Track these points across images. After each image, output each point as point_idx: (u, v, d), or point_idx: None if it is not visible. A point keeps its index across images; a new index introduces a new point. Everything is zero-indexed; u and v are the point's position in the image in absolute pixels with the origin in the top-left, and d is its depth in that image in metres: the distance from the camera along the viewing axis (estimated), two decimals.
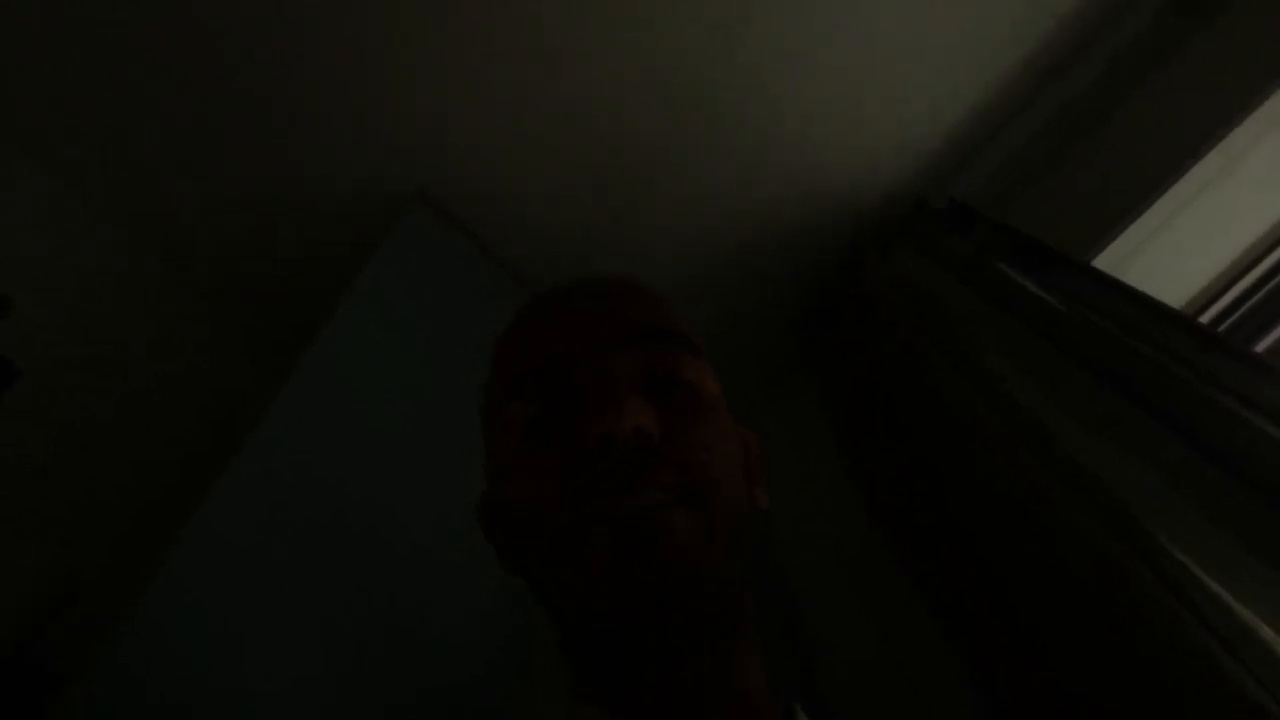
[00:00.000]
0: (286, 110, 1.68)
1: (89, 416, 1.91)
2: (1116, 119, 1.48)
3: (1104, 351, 0.99)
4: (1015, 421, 1.00)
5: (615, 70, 1.54)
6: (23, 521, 1.75)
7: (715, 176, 1.65)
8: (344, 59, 1.59)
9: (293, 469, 1.39)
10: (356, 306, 1.54)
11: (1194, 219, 1.39)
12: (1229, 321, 1.41)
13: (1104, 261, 1.40)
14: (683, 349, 0.64)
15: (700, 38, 1.47)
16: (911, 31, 1.45)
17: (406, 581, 1.40)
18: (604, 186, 1.70)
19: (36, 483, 1.81)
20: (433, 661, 1.37)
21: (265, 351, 2.08)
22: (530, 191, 1.73)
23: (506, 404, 0.64)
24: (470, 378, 1.54)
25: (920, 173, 1.62)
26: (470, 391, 1.52)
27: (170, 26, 1.58)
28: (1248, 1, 1.36)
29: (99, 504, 1.88)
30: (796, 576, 1.43)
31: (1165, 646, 0.67)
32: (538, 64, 1.55)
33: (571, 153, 1.66)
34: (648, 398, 0.59)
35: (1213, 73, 1.38)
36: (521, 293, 1.79)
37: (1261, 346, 1.36)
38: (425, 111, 1.65)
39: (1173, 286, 1.44)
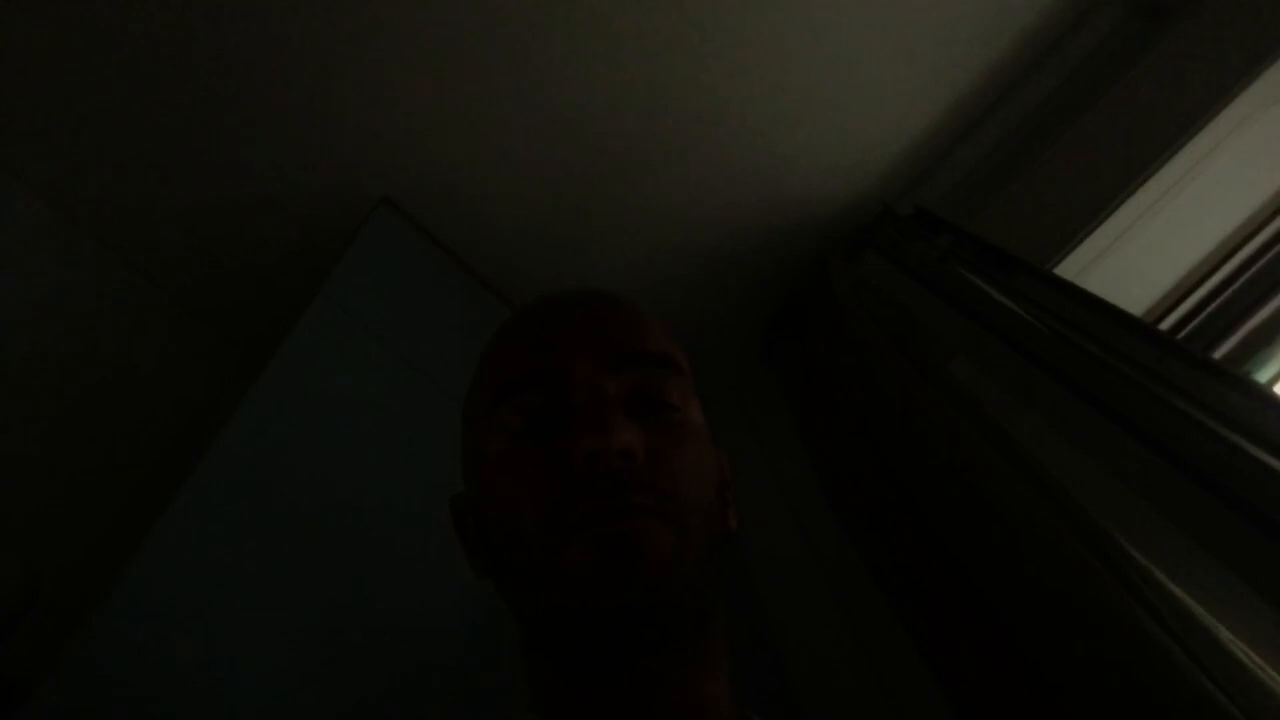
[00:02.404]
0: (252, 113, 1.67)
1: (49, 419, 1.88)
2: (1078, 127, 1.50)
3: (1066, 357, 1.00)
4: (980, 425, 1.01)
5: (582, 76, 1.54)
6: None
7: (681, 183, 1.66)
8: (310, 63, 1.58)
9: (261, 468, 1.38)
10: (323, 309, 1.53)
11: (1154, 226, 1.41)
12: (1188, 328, 1.43)
13: (1067, 268, 1.42)
14: (673, 374, 0.66)
15: (666, 45, 1.48)
16: (876, 40, 1.46)
17: (376, 579, 1.39)
18: (570, 192, 1.70)
19: None
20: (405, 656, 1.36)
21: (231, 354, 2.06)
22: (496, 196, 1.73)
23: (495, 408, 0.65)
24: (439, 378, 1.55)
25: (885, 179, 1.63)
26: (438, 391, 1.53)
27: (137, 27, 1.56)
28: (1206, 10, 1.39)
29: (60, 508, 1.85)
30: (764, 582, 1.43)
31: (1125, 646, 0.68)
32: (504, 69, 1.54)
33: (538, 158, 1.66)
34: (635, 419, 0.61)
35: (1172, 80, 1.40)
36: (489, 295, 1.79)
37: (1219, 353, 1.38)
38: (392, 116, 1.64)
39: (1134, 293, 1.46)
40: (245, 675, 1.24)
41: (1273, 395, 0.81)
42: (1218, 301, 1.42)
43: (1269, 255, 1.39)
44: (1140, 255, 1.44)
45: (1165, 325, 1.45)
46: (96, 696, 1.16)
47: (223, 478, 1.34)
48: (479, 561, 0.67)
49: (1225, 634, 0.63)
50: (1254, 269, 1.40)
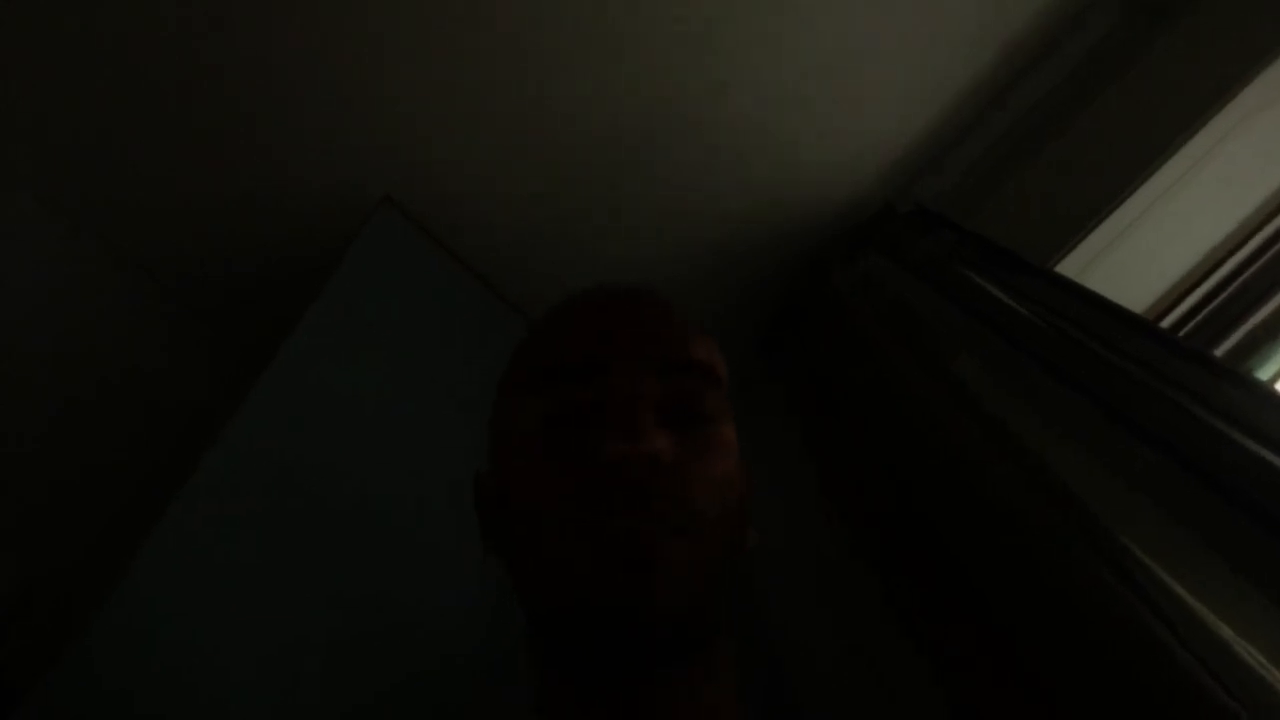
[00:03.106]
0: (250, 112, 1.66)
1: (46, 421, 1.88)
2: (1078, 125, 1.49)
3: (1067, 355, 1.00)
4: (982, 424, 1.01)
5: (582, 76, 1.53)
6: None
7: (682, 182, 1.65)
8: (311, 62, 1.58)
9: (262, 468, 1.38)
10: (325, 309, 1.53)
11: (1155, 224, 1.41)
12: (1190, 325, 1.43)
13: (1068, 266, 1.42)
14: (711, 385, 0.65)
15: (667, 43, 1.48)
16: (877, 37, 1.46)
17: (378, 579, 1.39)
18: (570, 191, 1.70)
19: None
20: (409, 655, 1.37)
21: (232, 354, 2.06)
22: (497, 195, 1.72)
23: (531, 388, 0.64)
24: (440, 381, 1.55)
25: (886, 177, 1.63)
26: (440, 391, 1.53)
27: (136, 26, 1.56)
28: (1205, 8, 1.39)
29: (60, 509, 1.85)
30: (765, 586, 1.43)
31: (1127, 646, 0.68)
32: (505, 68, 1.54)
33: (538, 158, 1.66)
34: (669, 427, 0.60)
35: (1173, 78, 1.40)
36: (490, 295, 1.79)
37: (1221, 350, 1.38)
38: (393, 115, 1.64)
39: (1135, 291, 1.46)
40: (246, 675, 1.24)
41: (1274, 392, 0.81)
42: (1219, 299, 1.42)
43: (1270, 253, 1.39)
44: (1141, 253, 1.43)
45: (1166, 323, 1.45)
46: (96, 695, 1.16)
47: (224, 478, 1.34)
48: (492, 541, 0.66)
49: (1227, 632, 0.63)
50: (1255, 266, 1.40)
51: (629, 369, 0.62)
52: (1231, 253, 1.42)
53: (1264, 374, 1.35)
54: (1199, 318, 1.43)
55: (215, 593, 1.27)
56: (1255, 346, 1.35)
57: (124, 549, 1.28)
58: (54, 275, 1.95)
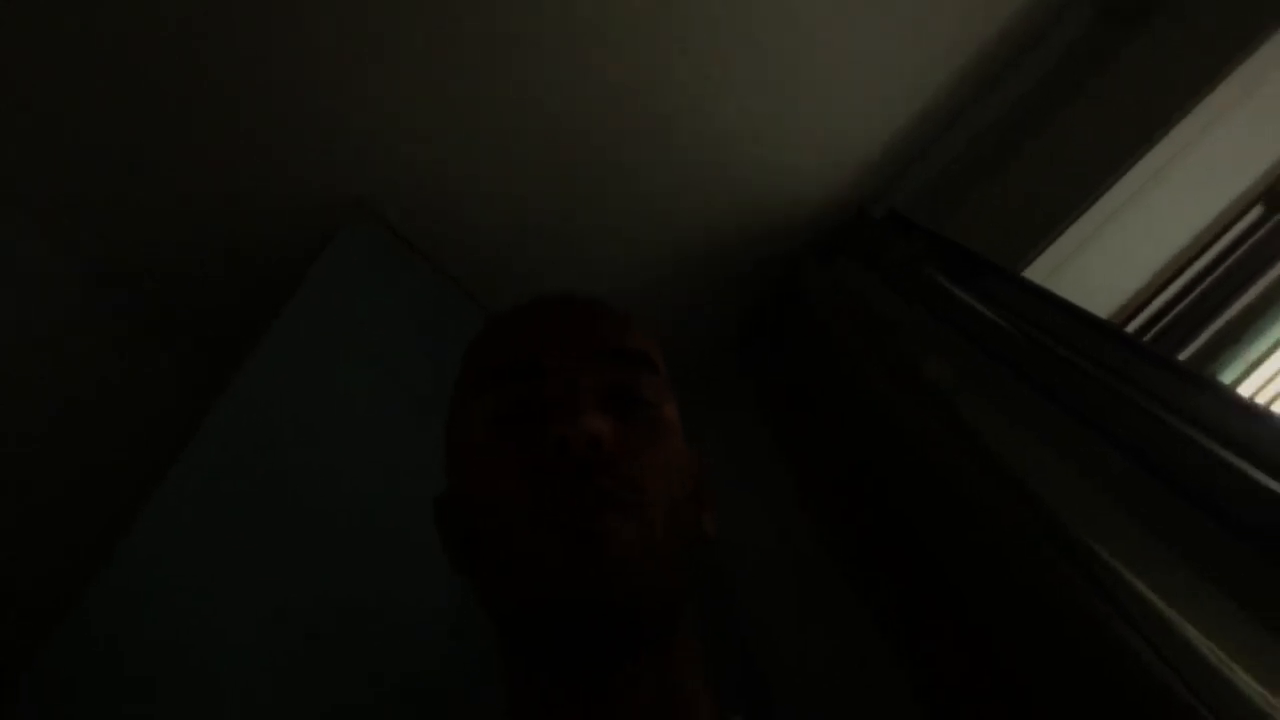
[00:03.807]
0: (220, 114, 1.65)
1: (14, 429, 1.86)
2: (1048, 130, 1.51)
3: (1035, 359, 1.01)
4: (952, 428, 1.02)
5: (558, 78, 1.53)
6: None
7: (656, 185, 1.66)
8: (284, 65, 1.56)
9: (235, 472, 1.37)
10: (297, 314, 1.52)
11: (1122, 230, 1.43)
12: (1155, 330, 1.45)
13: (1037, 270, 1.43)
14: (647, 370, 0.68)
15: (643, 44, 1.48)
16: (851, 41, 1.47)
17: (353, 580, 1.39)
18: (545, 194, 1.69)
19: None
20: (385, 656, 1.36)
21: (204, 360, 2.04)
22: (472, 197, 1.72)
23: (474, 398, 0.67)
24: (413, 385, 1.55)
25: (859, 183, 1.64)
26: (413, 396, 1.52)
27: (100, 26, 1.55)
28: (1173, 14, 1.40)
29: (34, 521, 1.83)
30: (740, 587, 1.43)
31: (1095, 646, 0.69)
32: (482, 71, 1.54)
33: (512, 160, 1.65)
34: (608, 412, 0.62)
35: (1140, 84, 1.41)
36: (464, 300, 1.79)
37: (1186, 354, 1.40)
38: (366, 119, 1.63)
39: (1102, 295, 1.48)
40: (221, 673, 1.24)
41: (1237, 396, 0.83)
42: (1184, 303, 1.44)
43: (1233, 257, 1.42)
44: (1108, 258, 1.45)
45: (1133, 326, 1.47)
46: (69, 695, 1.15)
47: (199, 480, 1.34)
48: (458, 559, 0.68)
49: (1193, 634, 0.64)
50: (1219, 271, 1.42)
51: (567, 361, 0.64)
52: (1196, 257, 1.44)
53: (1228, 377, 1.38)
54: (1164, 321, 1.45)
55: (191, 594, 1.27)
56: (1219, 350, 1.37)
57: (98, 557, 1.27)
58: (23, 285, 1.93)
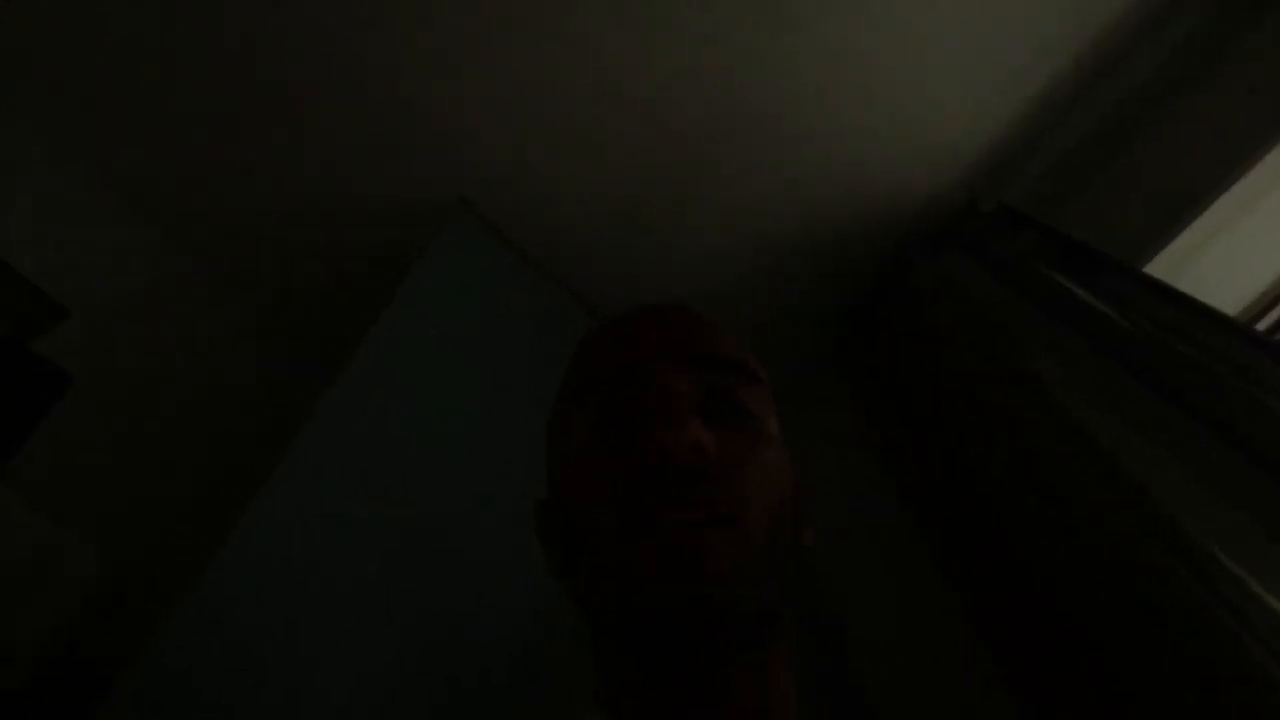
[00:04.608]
0: (327, 119, 1.70)
1: (138, 423, 1.95)
2: (1168, 120, 1.45)
3: (1153, 357, 0.97)
4: (1062, 427, 0.99)
5: (654, 73, 1.53)
6: (71, 523, 1.78)
7: (756, 179, 1.64)
8: (384, 69, 1.60)
9: (337, 473, 1.41)
10: (400, 313, 1.56)
11: (1250, 223, 1.37)
12: None
13: (1158, 266, 1.38)
14: (747, 380, 0.67)
15: (739, 37, 1.47)
16: (957, 33, 1.43)
17: (449, 586, 1.41)
18: (642, 191, 1.70)
19: (87, 487, 1.85)
20: (473, 665, 1.38)
21: (309, 359, 2.11)
22: (572, 195, 1.74)
23: (575, 405, 0.67)
24: (513, 382, 1.56)
25: (969, 175, 1.60)
26: (515, 393, 1.54)
27: (214, 40, 1.61)
28: None
29: (147, 509, 1.91)
30: (832, 579, 1.41)
31: (1211, 656, 0.65)
32: (573, 69, 1.55)
33: (610, 157, 1.66)
34: (709, 422, 0.62)
35: (1271, 69, 1.35)
36: (565, 296, 1.80)
37: None
38: (466, 119, 1.66)
39: (1228, 293, 1.41)
40: (314, 673, 1.27)
41: None
42: None
43: None
44: (1235, 252, 1.39)
45: (1262, 325, 1.40)
46: (170, 689, 1.19)
47: (296, 487, 1.37)
48: (558, 564, 0.68)
49: None
50: None
51: (665, 369, 0.64)
52: None
53: None
54: None
55: (288, 594, 1.30)
56: None
57: (207, 548, 1.31)
58: (146, 282, 2.02)
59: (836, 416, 1.68)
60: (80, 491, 1.85)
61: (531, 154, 1.69)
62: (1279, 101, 1.31)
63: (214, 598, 1.25)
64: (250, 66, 1.64)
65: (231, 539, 1.29)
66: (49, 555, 1.73)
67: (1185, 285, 1.08)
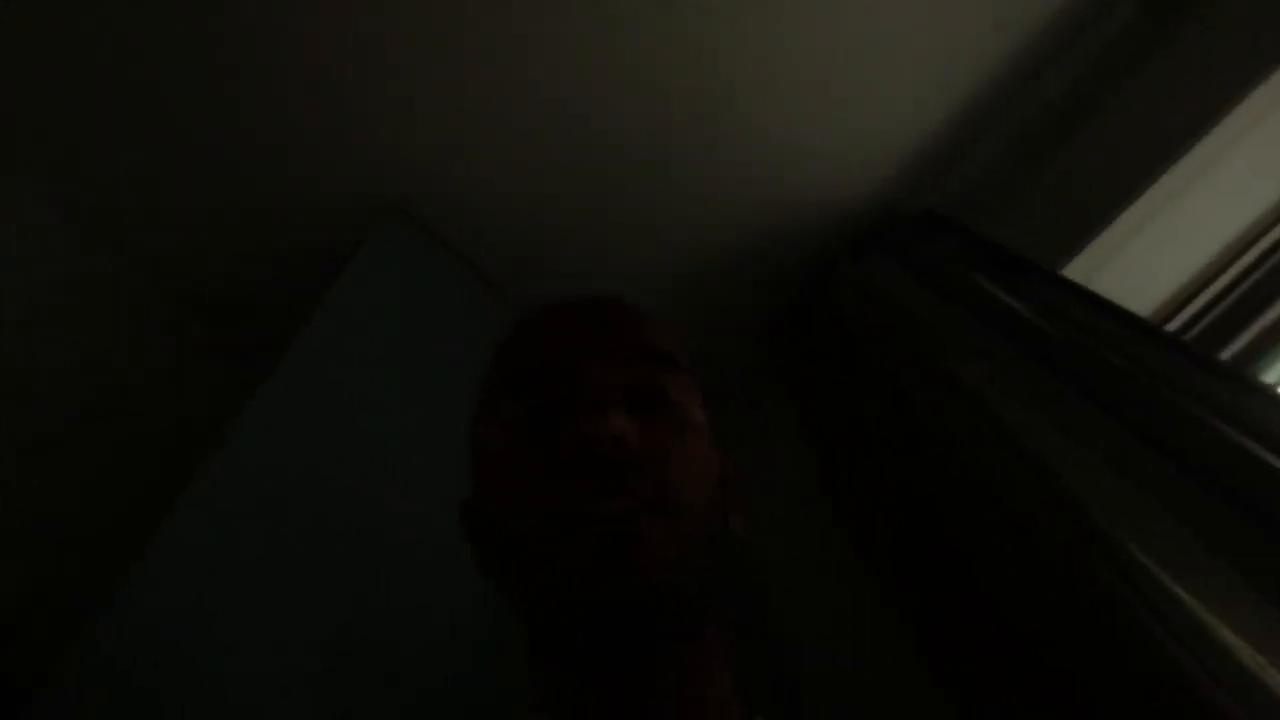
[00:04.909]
0: (259, 117, 1.67)
1: (54, 423, 1.89)
2: (1087, 128, 1.49)
3: (1073, 359, 1.00)
4: (987, 430, 1.01)
5: (590, 76, 1.54)
6: None
7: (688, 184, 1.65)
8: (317, 65, 1.58)
9: (267, 471, 1.39)
10: (331, 313, 1.54)
11: (1162, 227, 1.41)
12: (1196, 329, 1.43)
13: (1075, 269, 1.42)
14: (672, 369, 0.67)
15: (675, 41, 1.48)
16: (887, 38, 1.46)
17: (381, 584, 1.40)
18: (576, 194, 1.70)
19: None
20: (408, 660, 1.37)
21: (237, 359, 2.07)
22: (507, 197, 1.73)
23: (499, 400, 0.67)
24: (447, 384, 1.55)
25: (893, 181, 1.63)
26: (446, 397, 1.53)
27: (141, 29, 1.57)
28: (1217, 9, 1.38)
29: (65, 513, 1.86)
30: (770, 586, 1.43)
31: (1131, 651, 0.68)
32: (513, 70, 1.54)
33: (544, 160, 1.66)
34: (633, 412, 0.62)
35: (1182, 81, 1.39)
36: (497, 300, 1.79)
37: (1227, 354, 1.37)
38: (401, 119, 1.64)
39: (1142, 294, 1.46)
40: (245, 674, 1.25)
41: (1278, 396, 0.81)
42: (1225, 302, 1.41)
43: (1277, 256, 1.39)
44: (1148, 256, 1.43)
45: (1172, 326, 1.44)
46: (99, 692, 1.17)
47: (229, 480, 1.35)
48: (484, 563, 0.68)
49: (1230, 637, 0.63)
50: (1262, 270, 1.40)
51: (586, 361, 0.64)
52: (1238, 256, 1.41)
53: (1270, 377, 1.35)
54: (1205, 321, 1.42)
55: (218, 594, 1.28)
56: (1261, 350, 1.35)
57: (130, 553, 1.29)
58: (65, 278, 1.96)
59: (771, 418, 1.70)
60: None
61: (464, 157, 1.68)
62: (1190, 111, 1.35)
63: (143, 599, 1.23)
64: (177, 57, 1.60)
65: (156, 542, 1.27)
66: None
67: (1101, 287, 1.11)
